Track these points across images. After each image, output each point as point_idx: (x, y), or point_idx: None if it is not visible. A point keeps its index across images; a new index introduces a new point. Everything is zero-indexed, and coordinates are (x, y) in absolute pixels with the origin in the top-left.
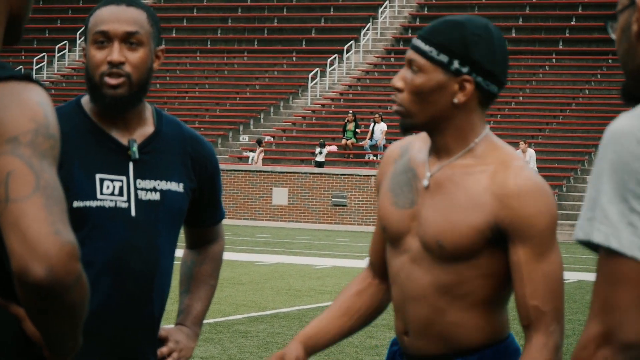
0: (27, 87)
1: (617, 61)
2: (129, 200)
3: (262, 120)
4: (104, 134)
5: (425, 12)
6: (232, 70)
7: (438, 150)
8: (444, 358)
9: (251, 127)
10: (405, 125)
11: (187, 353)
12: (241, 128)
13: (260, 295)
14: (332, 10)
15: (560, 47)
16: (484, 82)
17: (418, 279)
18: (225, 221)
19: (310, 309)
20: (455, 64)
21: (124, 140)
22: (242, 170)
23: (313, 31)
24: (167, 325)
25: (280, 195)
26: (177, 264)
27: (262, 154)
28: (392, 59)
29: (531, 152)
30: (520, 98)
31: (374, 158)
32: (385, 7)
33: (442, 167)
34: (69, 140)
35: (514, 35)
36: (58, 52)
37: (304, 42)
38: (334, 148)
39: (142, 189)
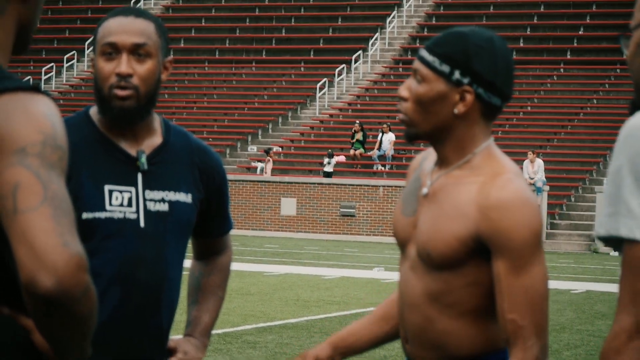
0: (34, 98)
1: (625, 71)
2: (137, 211)
3: (270, 130)
4: (112, 145)
5: (434, 22)
6: (241, 81)
7: (440, 160)
8: None
9: (259, 137)
10: (410, 135)
11: None
12: (249, 138)
13: (269, 305)
14: (340, 20)
15: (569, 56)
16: (485, 93)
17: (413, 287)
18: (233, 231)
19: (318, 320)
20: (457, 75)
21: (132, 151)
22: (250, 181)
23: (321, 41)
24: (175, 336)
25: (288, 206)
26: (185, 274)
27: (271, 164)
28: (400, 69)
29: (539, 162)
30: (529, 108)
31: (382, 168)
32: (394, 17)
33: (440, 176)
34: (78, 151)
35: (522, 45)
36: (66, 63)
37: (312, 52)
38: (342, 158)
39: (150, 200)
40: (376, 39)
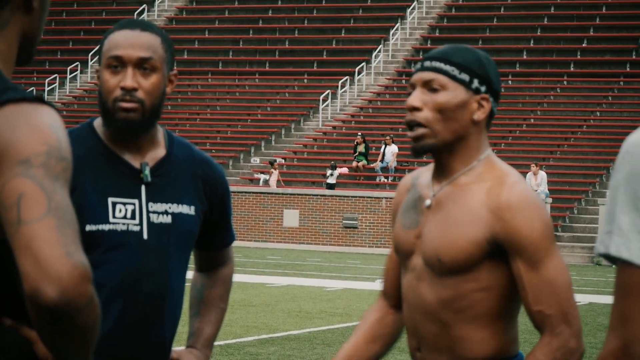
0: (38, 109)
1: (628, 83)
2: (141, 224)
3: (273, 142)
4: (116, 157)
5: (437, 35)
6: (244, 92)
7: (442, 171)
8: None
9: (262, 149)
10: (425, 146)
11: None
12: (252, 150)
13: (271, 317)
14: (343, 32)
15: (572, 69)
16: (494, 102)
17: (423, 296)
18: (236, 243)
19: (321, 331)
20: (475, 83)
21: (136, 163)
22: (253, 192)
23: (324, 53)
24: (178, 348)
25: (291, 217)
26: (188, 286)
27: (276, 176)
28: (404, 81)
29: (542, 175)
30: (532, 120)
31: (385, 180)
32: (397, 30)
33: (443, 186)
34: (82, 163)
35: (525, 57)
36: (70, 74)
37: (315, 64)
38: (345, 170)
39: (154, 212)
40: (379, 51)
